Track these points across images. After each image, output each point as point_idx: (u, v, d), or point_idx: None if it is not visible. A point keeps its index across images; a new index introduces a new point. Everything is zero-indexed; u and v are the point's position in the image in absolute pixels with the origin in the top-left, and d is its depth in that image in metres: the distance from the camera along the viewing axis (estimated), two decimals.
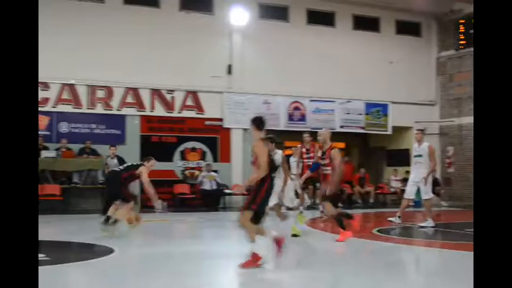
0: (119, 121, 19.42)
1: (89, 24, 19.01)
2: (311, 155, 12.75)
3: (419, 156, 13.20)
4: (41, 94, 18.38)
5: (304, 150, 13.00)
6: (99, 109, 19.22)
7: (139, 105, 19.66)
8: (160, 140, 19.91)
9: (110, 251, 8.78)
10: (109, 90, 19.33)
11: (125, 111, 19.48)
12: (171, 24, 20.03)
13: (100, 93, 19.28)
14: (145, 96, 19.75)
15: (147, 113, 19.77)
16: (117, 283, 6.59)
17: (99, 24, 19.15)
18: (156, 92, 19.89)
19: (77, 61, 18.61)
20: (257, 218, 7.26)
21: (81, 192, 18.15)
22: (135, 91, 19.60)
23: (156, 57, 19.64)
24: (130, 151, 18.81)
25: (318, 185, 13.48)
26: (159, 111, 19.90)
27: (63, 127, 18.86)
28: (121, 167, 12.04)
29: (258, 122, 7.38)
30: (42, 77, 18.09)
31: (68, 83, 18.84)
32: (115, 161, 16.33)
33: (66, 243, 10.41)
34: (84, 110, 19.08)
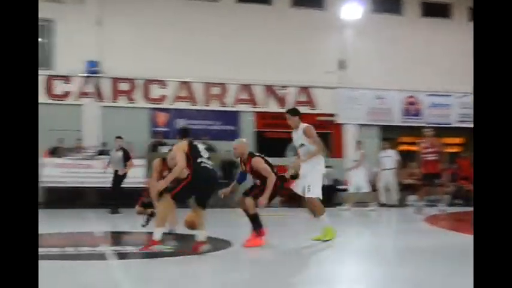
0: (233, 117, 19.73)
1: (203, 23, 19.43)
2: (430, 150, 12.36)
3: None
4: (159, 92, 19.04)
5: (425, 145, 12.62)
6: (214, 106, 19.62)
7: (253, 101, 19.86)
8: (274, 136, 20.02)
9: (227, 244, 8.87)
10: (223, 87, 19.68)
11: (239, 107, 19.75)
12: (282, 21, 20.10)
13: (215, 90, 19.67)
14: (259, 92, 19.93)
15: (261, 109, 19.94)
16: (233, 277, 6.63)
17: (213, 23, 19.53)
18: (269, 89, 20.02)
19: (192, 59, 19.09)
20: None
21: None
22: (248, 88, 19.84)
23: (269, 53, 19.78)
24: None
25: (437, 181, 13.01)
26: (272, 107, 20.02)
27: (181, 123, 19.40)
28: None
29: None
30: (159, 75, 18.86)
31: (184, 80, 19.34)
32: (120, 153, 15.18)
33: (186, 235, 10.64)
34: (200, 106, 19.53)
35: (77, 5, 18.61)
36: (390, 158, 17.20)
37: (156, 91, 19.15)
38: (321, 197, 8.82)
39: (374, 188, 17.19)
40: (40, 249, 8.33)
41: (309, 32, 20.21)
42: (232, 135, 19.38)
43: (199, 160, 7.75)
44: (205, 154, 7.96)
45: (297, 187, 9.26)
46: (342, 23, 20.56)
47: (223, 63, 19.35)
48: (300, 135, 8.91)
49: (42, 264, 7.19)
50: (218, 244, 8.98)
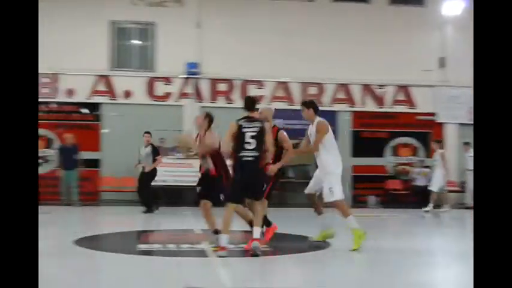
0: (330, 117, 19.61)
1: (300, 23, 19.48)
2: None
3: None
4: (256, 92, 19.21)
5: None
6: None
7: (350, 101, 19.70)
8: (371, 136, 19.76)
9: (325, 244, 8.85)
10: (320, 87, 19.64)
11: (336, 107, 19.64)
12: (380, 19, 19.80)
13: (312, 90, 19.66)
14: (356, 91, 19.75)
15: (358, 108, 19.74)
16: (333, 277, 6.61)
17: (309, 23, 19.54)
18: (366, 88, 19.79)
19: (289, 59, 19.18)
20: None
21: (295, 187, 18.62)
22: (345, 87, 19.69)
23: (366, 52, 19.54)
24: (342, 147, 18.90)
25: None
26: (370, 106, 19.77)
27: (278, 123, 19.49)
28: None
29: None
30: (257, 75, 19.06)
31: (282, 80, 19.44)
32: (148, 149, 15.27)
33: (284, 235, 10.72)
34: (297, 106, 19.51)
35: (178, 8, 19.14)
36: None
37: (253, 91, 19.34)
38: (342, 197, 8.45)
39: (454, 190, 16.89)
40: (144, 246, 8.68)
41: (407, 29, 19.81)
42: None
43: None
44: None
45: (309, 188, 9.18)
46: (442, 19, 19.99)
47: (320, 63, 19.29)
48: (314, 129, 8.79)
49: (146, 260, 7.46)
50: (316, 243, 8.98)
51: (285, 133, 8.93)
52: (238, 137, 7.66)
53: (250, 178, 7.67)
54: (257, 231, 7.69)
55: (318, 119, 8.75)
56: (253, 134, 7.68)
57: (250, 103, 8.08)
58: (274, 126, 8.97)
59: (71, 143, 17.03)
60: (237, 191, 7.71)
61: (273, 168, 8.28)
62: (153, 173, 15.21)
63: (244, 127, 7.73)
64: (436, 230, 12.69)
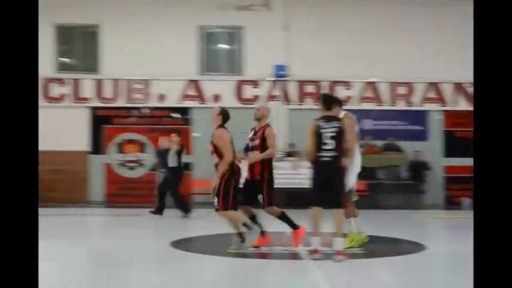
0: (420, 117, 19.24)
1: (383, 23, 19.18)
2: None
3: None
4: (344, 93, 19.09)
5: None
6: (401, 105, 19.26)
7: (441, 100, 19.22)
8: (464, 135, 19.15)
9: (422, 247, 8.67)
10: (410, 87, 19.28)
11: (426, 106, 19.21)
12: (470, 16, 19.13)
13: (401, 90, 19.31)
14: (447, 90, 19.26)
15: (450, 107, 19.24)
16: (431, 281, 6.46)
17: (395, 21, 19.18)
18: (458, 86, 19.25)
19: (375, 59, 18.99)
20: None
21: (386, 188, 18.37)
22: (435, 86, 19.24)
23: (456, 48, 18.94)
24: (433, 147, 18.66)
25: None
26: (462, 105, 19.22)
27: (367, 125, 19.27)
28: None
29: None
30: (345, 76, 18.95)
31: (370, 81, 19.21)
32: (173, 151, 15.18)
33: (378, 237, 10.59)
34: (386, 107, 19.28)
35: (265, 11, 19.31)
36: None
37: (341, 92, 19.21)
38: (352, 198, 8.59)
39: None
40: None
41: None
42: (419, 135, 19.02)
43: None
44: None
45: None
46: None
47: (409, 62, 18.96)
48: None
49: (239, 262, 7.54)
50: (410, 246, 8.82)
51: (273, 131, 8.67)
52: (317, 138, 7.50)
53: (329, 179, 7.52)
54: (339, 242, 7.56)
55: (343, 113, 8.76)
56: (332, 134, 7.51)
57: (328, 101, 7.89)
58: (267, 124, 8.69)
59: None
60: (317, 192, 7.57)
61: (251, 158, 8.31)
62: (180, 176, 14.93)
63: (322, 127, 7.56)
64: None
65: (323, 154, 7.50)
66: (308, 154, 7.63)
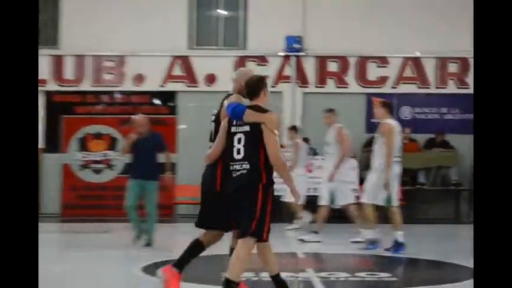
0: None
1: None
2: None
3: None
4: (378, 72, 19.21)
5: None
6: (452, 88, 19.37)
7: None
8: None
9: (469, 272, 8.87)
10: (464, 63, 19.35)
11: None
12: None
13: (452, 67, 19.42)
14: None
15: None
16: None
17: None
18: None
19: (421, 28, 19.13)
20: None
21: (429, 196, 18.53)
22: None
23: None
24: None
25: None
26: None
27: (406, 113, 19.41)
28: None
29: None
30: (378, 50, 19.04)
31: (411, 56, 19.33)
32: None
33: (413, 260, 10.79)
34: (432, 89, 19.41)
35: None
36: None
37: (374, 71, 19.37)
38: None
39: None
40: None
41: None
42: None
43: None
44: None
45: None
46: None
47: (463, 30, 18.95)
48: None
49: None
50: (458, 272, 9.04)
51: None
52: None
53: None
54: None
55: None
56: None
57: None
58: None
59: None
60: None
61: None
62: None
63: None
64: None
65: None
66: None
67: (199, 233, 7.65)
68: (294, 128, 16.09)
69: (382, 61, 19.43)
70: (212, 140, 7.26)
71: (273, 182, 6.73)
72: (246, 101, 7.00)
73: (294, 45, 19.17)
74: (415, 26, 19.02)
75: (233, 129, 6.76)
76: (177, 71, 19.36)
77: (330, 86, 19.36)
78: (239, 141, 6.70)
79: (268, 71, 19.22)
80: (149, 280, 8.59)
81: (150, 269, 9.22)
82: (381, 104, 11.50)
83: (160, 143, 12.39)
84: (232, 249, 7.12)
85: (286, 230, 14.80)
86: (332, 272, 9.03)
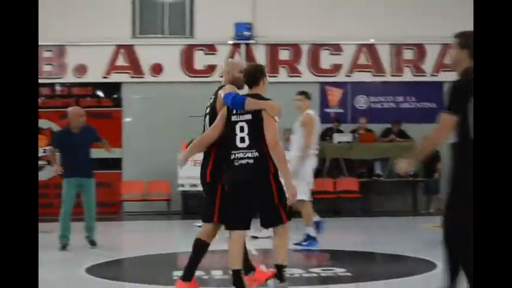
0: (435, 91, 19.35)
1: None
2: None
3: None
4: (331, 60, 19.18)
5: None
6: (407, 76, 19.44)
7: None
8: None
9: (431, 265, 8.82)
10: (420, 50, 19.43)
11: (442, 76, 19.33)
12: None
13: (407, 54, 19.47)
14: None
15: None
16: None
17: None
18: None
19: (376, 13, 19.12)
20: None
21: (386, 187, 18.56)
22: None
23: None
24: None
25: None
26: None
27: (361, 102, 19.43)
28: None
29: None
30: (332, 36, 19.00)
31: (366, 43, 19.34)
32: None
33: (369, 254, 10.76)
34: (388, 77, 19.44)
35: None
36: None
37: (327, 59, 19.34)
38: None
39: None
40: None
41: None
42: (432, 116, 19.03)
43: None
44: None
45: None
46: None
47: (419, 17, 19.02)
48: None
49: None
50: (416, 265, 8.99)
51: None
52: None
53: None
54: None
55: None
56: None
57: None
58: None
59: None
60: None
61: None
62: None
63: None
64: None
65: None
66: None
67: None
68: None
69: (336, 48, 19.38)
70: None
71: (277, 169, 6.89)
72: (239, 91, 7.11)
73: (243, 32, 19.05)
74: (369, 12, 19.03)
75: (234, 118, 6.87)
76: (121, 61, 19.10)
77: (282, 74, 19.28)
78: (241, 130, 6.83)
79: (217, 60, 19.16)
80: (94, 281, 8.44)
81: (95, 270, 9.12)
82: (305, 96, 11.32)
83: (96, 136, 12.02)
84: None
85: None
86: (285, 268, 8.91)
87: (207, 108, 7.44)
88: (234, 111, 6.87)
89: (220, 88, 7.27)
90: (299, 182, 10.46)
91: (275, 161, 6.82)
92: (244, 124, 6.83)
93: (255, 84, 7.05)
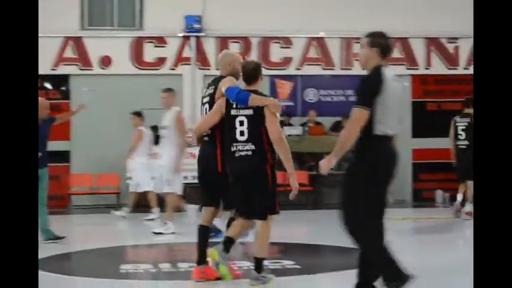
0: None
1: None
2: None
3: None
4: (282, 53, 19.27)
5: None
6: (357, 69, 19.57)
7: (410, 61, 19.68)
8: (439, 108, 19.71)
9: None
10: None
11: (391, 70, 19.54)
12: None
13: (357, 48, 19.60)
14: (418, 48, 19.73)
15: (421, 71, 19.74)
16: None
17: None
18: (432, 42, 19.76)
19: (326, 7, 19.21)
20: None
21: (335, 180, 18.70)
22: (403, 42, 19.64)
23: None
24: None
25: None
26: (438, 68, 19.78)
27: (311, 95, 19.55)
28: None
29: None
30: (283, 29, 19.09)
31: (316, 36, 19.46)
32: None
33: (318, 246, 10.87)
34: (337, 71, 19.60)
35: None
36: None
37: (277, 52, 19.42)
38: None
39: None
40: (129, 266, 8.90)
41: None
42: None
43: None
44: None
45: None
46: None
47: (370, 11, 19.19)
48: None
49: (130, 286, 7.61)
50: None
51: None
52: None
53: None
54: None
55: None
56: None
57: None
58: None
59: None
60: None
61: None
62: None
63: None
64: None
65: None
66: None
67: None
68: (138, 114, 15.95)
69: (286, 42, 19.49)
70: None
71: (275, 161, 7.48)
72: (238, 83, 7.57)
73: (193, 25, 19.03)
74: (319, 5, 19.12)
75: (233, 112, 7.32)
76: (69, 53, 18.95)
77: None
78: (241, 124, 7.27)
79: (167, 52, 19.16)
80: (41, 275, 8.35)
81: (42, 264, 8.97)
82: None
83: (53, 123, 12.20)
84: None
85: (144, 220, 14.66)
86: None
87: (203, 97, 7.96)
88: (234, 105, 7.30)
89: (219, 79, 7.73)
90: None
91: (280, 156, 7.37)
92: (244, 118, 7.25)
93: (255, 80, 7.52)
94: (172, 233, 12.05)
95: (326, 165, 6.00)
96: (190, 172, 13.39)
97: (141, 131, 15.63)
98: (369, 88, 6.00)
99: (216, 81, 7.78)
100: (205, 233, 7.76)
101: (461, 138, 14.52)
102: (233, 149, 7.32)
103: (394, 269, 6.07)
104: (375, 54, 6.33)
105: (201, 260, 7.64)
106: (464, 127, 14.51)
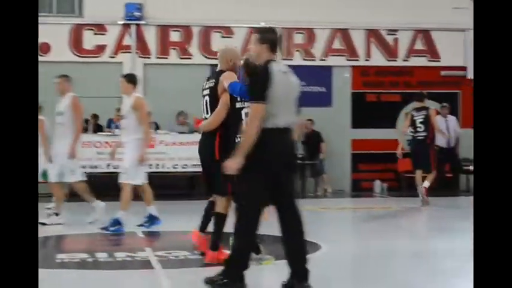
0: (323, 74, 19.79)
1: None
2: None
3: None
4: (223, 42, 19.28)
5: None
6: (298, 60, 19.73)
7: (351, 52, 19.89)
8: (378, 99, 19.98)
9: (316, 247, 9.09)
10: (309, 34, 19.79)
11: (331, 61, 19.81)
12: None
13: (298, 38, 19.78)
14: (358, 39, 19.96)
15: (361, 62, 19.96)
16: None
17: None
18: (372, 34, 19.99)
19: None
20: None
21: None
22: (344, 33, 19.85)
23: None
24: (338, 114, 19.28)
25: None
26: (377, 59, 20.06)
27: None
28: None
29: None
30: (224, 19, 19.13)
31: (257, 26, 19.50)
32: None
33: (258, 235, 10.96)
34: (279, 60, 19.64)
35: None
36: None
37: (219, 42, 19.43)
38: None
39: None
40: (65, 256, 8.90)
41: None
42: (321, 99, 19.52)
43: None
44: None
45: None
46: None
47: (310, 1, 19.37)
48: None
49: (67, 275, 7.67)
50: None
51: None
52: None
53: None
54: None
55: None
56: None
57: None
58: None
59: None
60: None
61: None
62: None
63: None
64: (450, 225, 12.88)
65: None
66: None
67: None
68: None
69: (227, 31, 19.55)
70: (207, 112, 8.21)
71: None
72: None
73: (134, 13, 19.00)
74: None
75: (238, 105, 7.67)
76: None
77: (173, 56, 19.34)
78: (247, 116, 7.16)
79: (107, 40, 19.07)
80: None
81: None
82: (126, 79, 11.60)
83: None
84: None
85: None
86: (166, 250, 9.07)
87: (203, 90, 8.32)
88: (238, 99, 7.65)
89: (219, 73, 8.06)
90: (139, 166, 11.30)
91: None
92: (249, 110, 7.19)
93: None
94: (59, 223, 12.08)
95: (232, 165, 6.18)
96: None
97: (41, 120, 15.45)
98: (258, 83, 6.23)
99: (216, 75, 8.15)
100: (222, 220, 7.99)
101: (420, 130, 15.24)
102: (240, 140, 7.32)
103: (240, 270, 6.32)
104: (265, 49, 6.60)
105: (215, 246, 7.94)
106: (422, 120, 15.26)
